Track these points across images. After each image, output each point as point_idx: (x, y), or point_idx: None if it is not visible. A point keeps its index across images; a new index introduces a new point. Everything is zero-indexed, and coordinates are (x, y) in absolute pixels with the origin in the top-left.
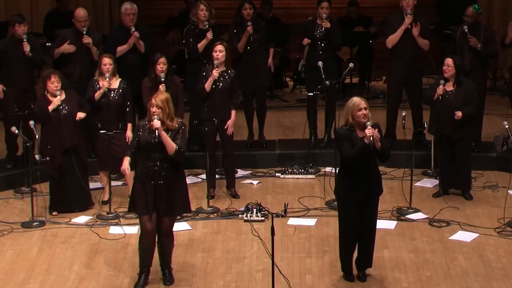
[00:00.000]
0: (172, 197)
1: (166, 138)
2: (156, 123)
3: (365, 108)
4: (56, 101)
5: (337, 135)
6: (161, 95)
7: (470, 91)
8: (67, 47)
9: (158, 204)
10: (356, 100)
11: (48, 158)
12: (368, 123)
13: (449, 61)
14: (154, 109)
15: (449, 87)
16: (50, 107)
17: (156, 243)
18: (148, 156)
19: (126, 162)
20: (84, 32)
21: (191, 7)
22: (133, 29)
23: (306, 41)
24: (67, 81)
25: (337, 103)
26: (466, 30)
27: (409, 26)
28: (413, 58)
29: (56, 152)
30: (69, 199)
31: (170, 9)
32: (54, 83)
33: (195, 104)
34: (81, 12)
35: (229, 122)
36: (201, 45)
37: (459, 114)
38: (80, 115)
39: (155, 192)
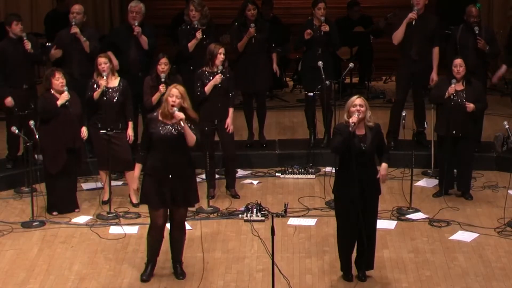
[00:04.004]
0: (188, 188)
1: (188, 129)
2: (181, 114)
3: (360, 105)
4: (64, 96)
5: (334, 130)
6: (180, 86)
7: (479, 89)
8: (56, 52)
9: (175, 197)
10: (353, 97)
11: (46, 156)
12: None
13: (459, 61)
14: (174, 98)
15: (459, 86)
16: (59, 102)
17: (169, 236)
18: (165, 150)
19: (138, 169)
20: (73, 23)
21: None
22: (135, 24)
23: (308, 33)
24: (69, 79)
25: (337, 103)
26: (477, 32)
27: (413, 23)
28: (420, 56)
29: (58, 149)
30: (62, 199)
31: (170, 9)
32: (59, 80)
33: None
34: (76, 6)
35: (228, 121)
36: (191, 44)
37: (470, 105)
38: (85, 133)
39: (172, 185)
